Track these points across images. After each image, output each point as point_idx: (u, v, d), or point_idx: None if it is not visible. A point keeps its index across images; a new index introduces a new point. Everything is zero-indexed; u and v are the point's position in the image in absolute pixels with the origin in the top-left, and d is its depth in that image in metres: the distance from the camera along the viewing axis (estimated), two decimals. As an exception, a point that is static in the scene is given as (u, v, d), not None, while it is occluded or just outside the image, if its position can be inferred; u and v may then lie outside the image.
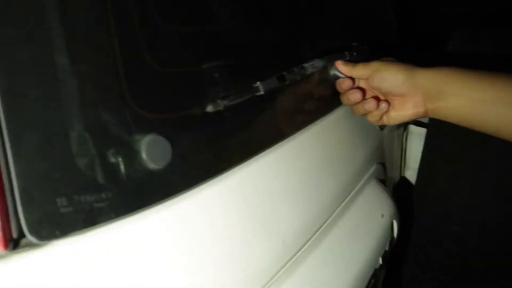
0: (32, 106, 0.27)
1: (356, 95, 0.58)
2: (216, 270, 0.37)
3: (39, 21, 0.28)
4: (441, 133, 0.93)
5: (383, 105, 0.58)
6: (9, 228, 0.27)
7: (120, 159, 0.31)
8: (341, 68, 0.58)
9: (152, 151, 0.33)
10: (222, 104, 0.39)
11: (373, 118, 0.60)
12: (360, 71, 0.57)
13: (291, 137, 0.51)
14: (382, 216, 0.61)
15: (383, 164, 0.80)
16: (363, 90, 0.58)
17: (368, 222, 0.59)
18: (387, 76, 0.55)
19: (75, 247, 0.29)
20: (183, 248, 0.35)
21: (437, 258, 0.85)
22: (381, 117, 0.59)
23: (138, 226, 0.32)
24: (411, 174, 1.10)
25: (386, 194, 0.67)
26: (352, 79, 0.59)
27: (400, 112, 0.58)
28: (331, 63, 0.59)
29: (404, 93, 0.55)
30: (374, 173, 0.71)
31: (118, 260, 0.31)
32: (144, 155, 0.32)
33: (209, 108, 0.39)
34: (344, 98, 0.60)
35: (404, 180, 1.11)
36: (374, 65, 0.56)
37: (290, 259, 0.45)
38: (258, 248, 0.41)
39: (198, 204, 0.37)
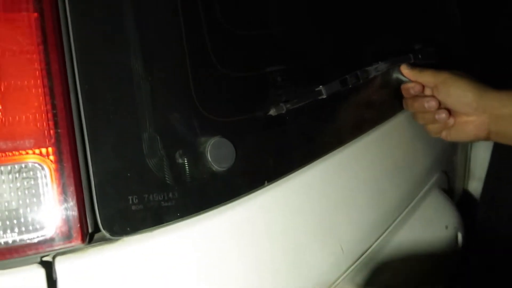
0: (109, 108, 0.29)
1: (433, 103, 0.54)
2: (274, 273, 0.37)
3: (118, 27, 0.30)
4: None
5: (451, 120, 0.54)
6: (86, 223, 0.28)
7: (186, 160, 0.32)
8: (406, 72, 0.55)
9: (216, 153, 0.34)
10: (284, 107, 0.39)
11: (434, 130, 0.57)
12: (427, 78, 0.53)
13: (352, 142, 0.50)
14: (446, 227, 0.58)
15: (446, 173, 0.76)
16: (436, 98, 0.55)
17: (431, 233, 0.56)
18: (455, 91, 0.52)
19: (144, 245, 0.30)
20: (244, 250, 0.35)
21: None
22: (442, 130, 0.56)
23: (203, 227, 0.33)
24: (476, 186, 1.04)
25: (450, 204, 0.64)
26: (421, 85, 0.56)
27: (461, 132, 0.54)
28: (394, 66, 0.57)
29: (469, 113, 0.52)
30: (437, 182, 0.68)
31: (182, 259, 0.32)
32: (209, 157, 0.33)
33: (272, 112, 0.39)
34: (409, 104, 0.57)
35: (467, 194, 1.04)
36: (443, 76, 0.52)
37: (349, 267, 0.44)
38: (316, 254, 0.41)
39: (259, 207, 0.37)
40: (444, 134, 0.56)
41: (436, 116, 0.54)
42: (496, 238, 0.89)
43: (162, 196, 0.31)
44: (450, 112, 0.54)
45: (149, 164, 0.31)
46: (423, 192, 0.61)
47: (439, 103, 0.54)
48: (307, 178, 0.43)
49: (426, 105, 0.54)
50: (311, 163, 0.43)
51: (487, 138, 0.54)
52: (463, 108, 0.52)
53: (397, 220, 0.53)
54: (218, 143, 0.34)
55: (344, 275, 0.43)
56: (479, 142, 1.01)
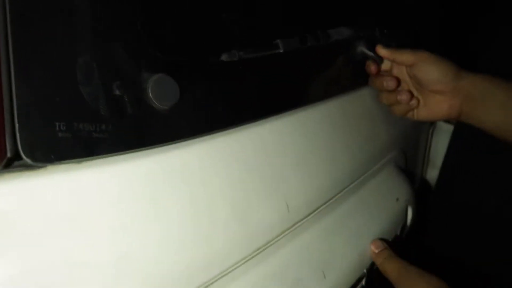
0: (42, 24, 0.27)
1: (392, 83, 0.55)
2: (211, 224, 0.36)
3: None
4: (470, 134, 0.89)
5: (414, 102, 0.55)
6: (4, 146, 0.26)
7: (125, 93, 0.30)
8: (383, 52, 0.55)
9: (159, 90, 0.32)
10: (237, 54, 0.38)
11: (399, 111, 0.57)
12: (406, 56, 0.53)
13: (309, 106, 0.49)
14: (397, 199, 0.59)
15: (404, 153, 0.76)
16: (397, 79, 0.55)
17: (381, 203, 0.56)
18: (435, 69, 0.52)
19: (69, 176, 0.28)
20: (178, 198, 0.33)
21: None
22: (407, 111, 0.57)
23: (137, 166, 0.31)
24: (434, 175, 1.06)
25: (404, 179, 0.64)
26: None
27: (433, 111, 0.55)
28: (359, 39, 0.56)
29: (444, 92, 0.53)
30: (394, 159, 0.68)
31: (111, 197, 0.30)
32: (150, 93, 0.31)
33: (224, 57, 0.37)
34: (374, 82, 0.57)
35: (425, 181, 1.06)
36: (423, 55, 0.52)
37: (293, 225, 0.43)
38: (260, 209, 0.40)
39: (201, 154, 0.36)
40: (411, 114, 0.57)
41: (398, 97, 0.55)
42: (447, 226, 0.92)
43: (94, 126, 0.29)
44: (417, 92, 0.55)
45: (82, 91, 0.28)
46: (378, 166, 0.61)
47: (399, 84, 0.55)
48: (258, 133, 0.41)
49: (385, 84, 0.55)
50: (264, 118, 0.42)
51: (457, 118, 0.55)
52: (440, 87, 0.53)
53: (349, 187, 0.53)
54: (162, 80, 0.32)
55: (287, 232, 0.42)
56: (440, 130, 1.03)
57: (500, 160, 0.81)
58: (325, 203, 0.48)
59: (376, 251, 0.49)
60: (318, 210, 0.47)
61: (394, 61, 0.55)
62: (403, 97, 0.54)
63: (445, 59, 0.53)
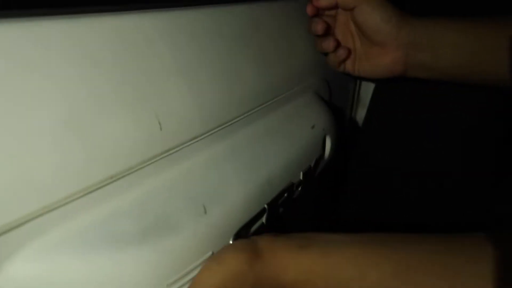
0: None
1: (318, 27, 0.49)
2: (51, 146, 0.25)
3: None
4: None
5: (342, 52, 0.51)
6: None
7: None
8: None
9: None
10: None
11: (330, 61, 0.53)
12: None
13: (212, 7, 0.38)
14: (313, 127, 0.51)
15: (328, 84, 0.68)
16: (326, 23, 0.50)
17: (292, 129, 0.48)
18: (377, 13, 0.46)
19: None
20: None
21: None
22: (338, 63, 0.53)
23: None
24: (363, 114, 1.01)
25: (323, 108, 0.56)
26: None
27: (374, 65, 0.50)
28: None
29: (386, 42, 0.47)
30: (313, 86, 0.59)
31: None
32: None
33: None
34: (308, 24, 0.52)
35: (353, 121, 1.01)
36: None
37: (169, 150, 0.33)
38: (117, 122, 0.29)
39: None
40: (351, 67, 0.53)
41: (322, 44, 0.50)
42: (372, 166, 0.87)
43: None
44: (360, 43, 0.50)
45: None
46: (293, 90, 0.52)
47: (329, 30, 0.51)
48: (136, 24, 0.30)
49: (312, 27, 0.50)
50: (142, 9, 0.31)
51: (402, 73, 0.49)
52: (382, 36, 0.47)
53: (252, 111, 0.43)
54: None
55: (159, 157, 0.32)
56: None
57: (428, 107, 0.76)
58: (219, 126, 0.38)
59: None
60: (208, 133, 0.37)
61: (337, 4, 0.49)
62: (325, 44, 0.50)
63: (389, 3, 0.47)
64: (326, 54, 0.55)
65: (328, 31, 0.52)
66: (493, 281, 0.25)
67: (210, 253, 0.34)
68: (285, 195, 0.44)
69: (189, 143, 0.35)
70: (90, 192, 0.28)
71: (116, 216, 0.29)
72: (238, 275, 0.31)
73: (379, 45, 0.48)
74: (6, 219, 0.24)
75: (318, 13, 0.52)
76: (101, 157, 0.28)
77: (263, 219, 0.41)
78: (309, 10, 0.50)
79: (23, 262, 0.25)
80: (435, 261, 0.28)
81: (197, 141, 0.36)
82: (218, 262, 0.32)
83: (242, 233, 0.37)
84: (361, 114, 1.01)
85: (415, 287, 0.28)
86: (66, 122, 0.26)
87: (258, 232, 0.41)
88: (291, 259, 0.32)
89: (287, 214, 0.47)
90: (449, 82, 0.51)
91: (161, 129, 0.33)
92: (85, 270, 0.27)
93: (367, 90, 0.98)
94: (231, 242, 0.36)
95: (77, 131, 0.27)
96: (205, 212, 0.33)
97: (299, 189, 0.47)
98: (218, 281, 0.31)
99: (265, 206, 0.40)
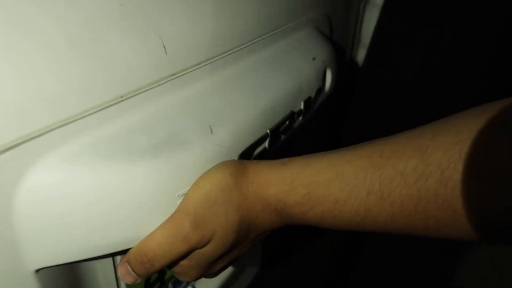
0: None
1: None
2: (56, 63, 0.26)
3: None
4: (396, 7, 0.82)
5: None
6: None
7: None
8: None
9: None
10: None
11: None
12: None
13: None
14: (314, 59, 0.51)
15: (329, 20, 0.68)
16: None
17: (294, 59, 0.49)
18: None
19: None
20: None
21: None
22: None
23: None
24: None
25: (324, 41, 0.57)
26: None
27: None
28: None
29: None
30: (315, 20, 0.59)
31: None
32: None
33: None
34: None
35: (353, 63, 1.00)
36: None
37: (175, 74, 0.34)
38: (122, 42, 0.30)
39: None
40: None
41: None
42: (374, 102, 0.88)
43: None
44: None
45: None
46: (295, 23, 0.53)
47: None
48: None
49: None
50: None
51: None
52: None
53: (254, 41, 0.44)
54: None
55: (166, 80, 0.34)
56: (374, 6, 0.95)
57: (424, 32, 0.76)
58: (223, 52, 0.39)
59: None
60: (213, 59, 0.38)
61: None
62: None
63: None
64: None
65: None
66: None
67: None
68: (287, 122, 0.45)
69: (194, 68, 0.37)
70: (103, 109, 0.30)
71: (129, 132, 0.31)
72: (224, 188, 0.33)
73: None
74: (27, 129, 0.26)
75: None
76: (109, 76, 0.30)
77: (266, 144, 0.43)
78: None
79: (44, 169, 0.27)
80: (409, 142, 0.29)
81: (203, 66, 0.37)
82: (205, 177, 0.34)
83: (246, 156, 0.40)
84: (361, 55, 1.01)
85: (392, 168, 0.29)
86: (73, 41, 0.28)
87: (260, 157, 0.43)
88: (274, 174, 0.34)
89: (288, 141, 0.49)
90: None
91: (166, 53, 0.34)
92: (100, 179, 0.29)
93: (368, 30, 0.98)
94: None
95: (84, 50, 0.28)
96: (212, 132, 0.35)
97: (300, 118, 0.49)
98: (204, 194, 0.33)
99: (268, 131, 0.42)
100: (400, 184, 0.28)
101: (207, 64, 0.38)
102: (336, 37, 0.80)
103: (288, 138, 0.49)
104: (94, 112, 0.29)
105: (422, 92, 0.79)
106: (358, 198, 0.30)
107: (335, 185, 0.31)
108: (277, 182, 0.33)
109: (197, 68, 0.37)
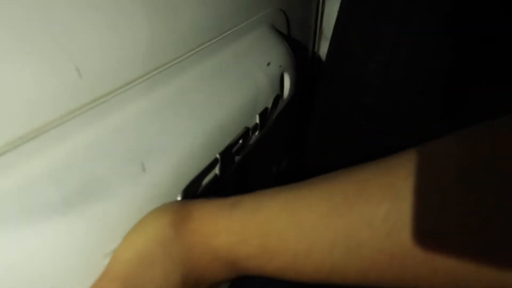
0: None
1: None
2: None
3: None
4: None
5: None
6: None
7: None
8: None
9: None
10: None
11: None
12: None
13: None
14: (268, 64, 0.46)
15: (285, 14, 0.62)
16: None
17: (245, 67, 0.42)
18: None
19: None
20: None
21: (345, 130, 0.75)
22: None
23: None
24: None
25: (280, 42, 0.51)
26: None
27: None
28: None
29: None
30: (269, 18, 0.53)
31: None
32: None
33: None
34: None
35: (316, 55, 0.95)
36: None
37: (93, 100, 0.28)
38: (27, 71, 0.23)
39: None
40: None
41: None
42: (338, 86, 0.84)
43: None
44: None
45: None
46: (246, 24, 0.46)
47: None
48: None
49: None
50: None
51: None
52: None
53: (196, 50, 0.38)
54: None
55: (82, 110, 0.27)
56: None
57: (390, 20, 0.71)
58: (155, 68, 0.33)
59: None
60: (142, 78, 0.31)
61: None
62: None
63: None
64: None
65: None
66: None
67: (155, 214, 0.30)
68: (240, 141, 0.40)
69: (118, 91, 0.30)
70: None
71: (32, 184, 0.24)
72: (162, 241, 0.27)
73: None
74: None
75: None
76: (16, 113, 0.23)
77: (216, 171, 0.37)
78: None
79: None
80: (370, 187, 0.24)
81: (131, 87, 0.31)
82: (138, 231, 0.27)
83: (192, 189, 0.33)
84: (324, 48, 0.96)
85: (358, 217, 0.24)
86: None
87: (212, 186, 0.37)
88: (222, 220, 0.28)
89: (245, 162, 0.43)
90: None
91: (80, 77, 0.27)
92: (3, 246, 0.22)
93: (329, 22, 0.93)
94: (179, 198, 0.32)
95: None
96: (144, 170, 0.29)
97: (256, 133, 0.43)
98: (137, 253, 0.26)
99: (217, 155, 0.36)
100: (370, 236, 0.23)
101: (135, 84, 0.31)
102: (295, 33, 0.74)
103: (243, 158, 0.43)
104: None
105: (389, 86, 0.75)
106: (320, 252, 0.24)
107: (292, 235, 0.25)
108: (226, 230, 0.27)
109: (123, 91, 0.30)
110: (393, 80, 0.73)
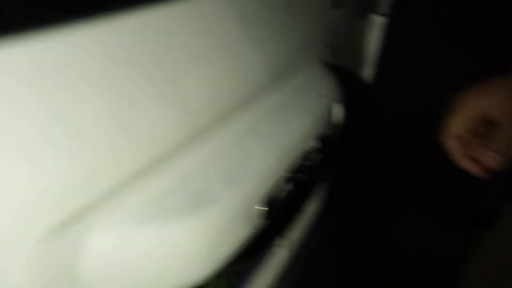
0: None
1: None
2: (92, 135, 0.29)
3: None
4: (402, 21, 0.83)
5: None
6: None
7: None
8: None
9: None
10: None
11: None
12: None
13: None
14: (320, 96, 0.54)
15: (331, 46, 0.70)
16: None
17: (301, 101, 0.51)
18: None
19: None
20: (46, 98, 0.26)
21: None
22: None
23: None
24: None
25: (327, 76, 0.59)
26: None
27: None
28: None
29: None
30: (316, 54, 0.62)
31: None
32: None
33: None
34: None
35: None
36: None
37: (196, 133, 0.37)
38: (150, 113, 0.33)
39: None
40: None
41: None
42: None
43: None
44: None
45: None
46: (297, 63, 0.55)
47: None
48: (140, 19, 0.33)
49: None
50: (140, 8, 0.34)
51: None
52: None
53: (263, 89, 0.47)
54: None
55: (189, 140, 0.36)
56: (374, 24, 0.96)
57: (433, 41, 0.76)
58: (236, 106, 0.42)
59: None
60: (227, 114, 0.41)
61: None
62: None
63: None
64: None
65: None
66: None
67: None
68: (303, 163, 0.48)
69: (212, 124, 0.39)
70: (136, 177, 0.32)
71: (163, 194, 0.34)
72: None
73: None
74: (82, 201, 0.28)
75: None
76: (142, 144, 0.33)
77: (291, 186, 0.46)
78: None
79: (100, 234, 0.30)
80: None
81: (219, 121, 0.40)
82: None
83: (272, 201, 0.42)
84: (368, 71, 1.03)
85: None
86: (110, 118, 0.30)
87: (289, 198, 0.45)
88: None
89: (311, 180, 0.51)
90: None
91: (193, 118, 0.37)
92: (146, 238, 0.32)
93: (370, 47, 0.99)
94: (259, 208, 0.41)
95: (120, 126, 0.31)
96: (236, 184, 0.38)
97: (319, 155, 0.51)
98: None
99: (287, 174, 0.45)
100: None
101: (223, 118, 0.41)
102: (341, 62, 0.81)
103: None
104: (128, 182, 0.32)
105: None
106: None
107: None
108: None
109: (214, 124, 0.40)
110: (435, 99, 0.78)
